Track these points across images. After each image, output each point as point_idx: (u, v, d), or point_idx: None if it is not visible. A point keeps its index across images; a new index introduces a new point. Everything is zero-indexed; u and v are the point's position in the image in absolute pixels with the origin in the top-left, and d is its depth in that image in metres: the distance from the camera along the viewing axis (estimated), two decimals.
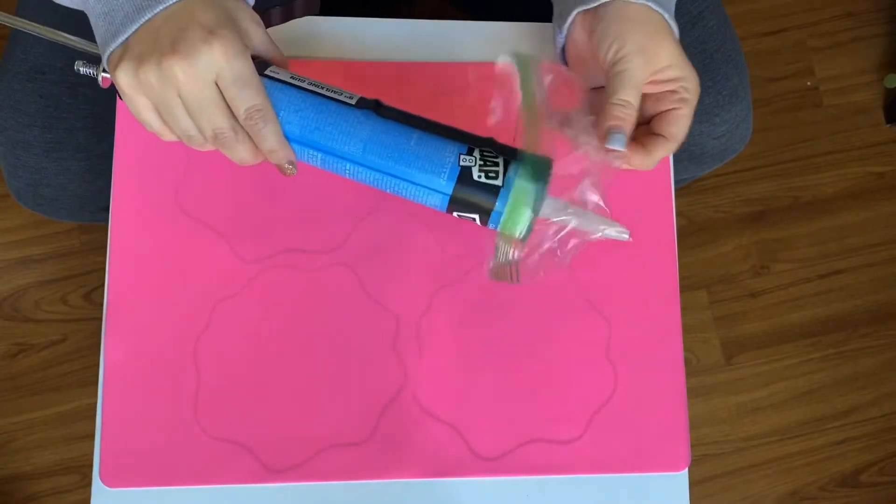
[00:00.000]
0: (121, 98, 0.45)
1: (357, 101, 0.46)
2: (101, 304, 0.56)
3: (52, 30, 0.47)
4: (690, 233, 1.20)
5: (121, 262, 0.55)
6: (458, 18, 0.62)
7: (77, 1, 0.46)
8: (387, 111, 0.46)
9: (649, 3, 0.47)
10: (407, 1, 0.89)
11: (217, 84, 0.42)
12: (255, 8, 0.49)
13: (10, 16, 0.47)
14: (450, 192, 0.45)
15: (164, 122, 0.45)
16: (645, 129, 0.49)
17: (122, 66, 0.42)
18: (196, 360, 0.54)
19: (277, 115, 0.45)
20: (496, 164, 0.45)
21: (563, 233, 0.45)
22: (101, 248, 0.82)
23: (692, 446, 0.56)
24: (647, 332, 0.56)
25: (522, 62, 0.45)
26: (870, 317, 1.19)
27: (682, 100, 0.47)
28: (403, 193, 0.47)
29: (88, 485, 0.84)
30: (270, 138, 0.45)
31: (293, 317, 0.55)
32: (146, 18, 0.42)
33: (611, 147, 0.46)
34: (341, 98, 0.46)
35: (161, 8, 0.42)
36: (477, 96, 0.48)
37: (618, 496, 0.55)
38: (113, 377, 0.53)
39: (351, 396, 0.54)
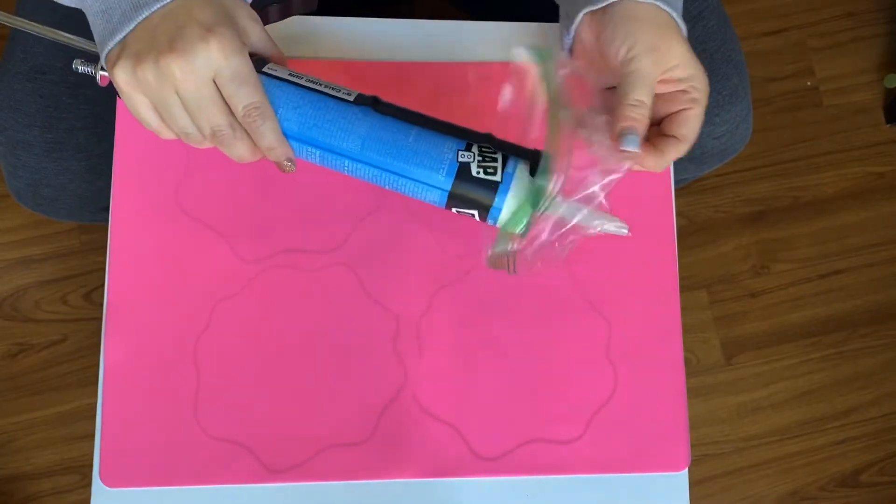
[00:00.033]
0: (119, 96, 0.45)
1: (355, 98, 0.46)
2: (101, 304, 0.56)
3: (51, 29, 0.47)
4: (690, 233, 1.20)
5: (121, 262, 0.55)
6: (458, 18, 0.61)
7: None
8: (385, 107, 0.46)
9: (658, 3, 0.47)
10: (407, 1, 0.89)
11: (215, 82, 0.42)
12: (252, 5, 0.49)
13: (10, 15, 0.47)
14: (448, 188, 0.45)
15: (163, 119, 0.45)
16: (656, 131, 0.49)
17: (120, 65, 0.42)
18: (196, 360, 0.54)
19: (276, 112, 0.45)
20: (494, 160, 0.45)
21: (562, 227, 0.45)
22: (101, 248, 0.82)
23: (692, 446, 0.56)
24: (647, 332, 0.56)
25: (542, 55, 0.45)
26: (870, 317, 1.19)
27: (693, 100, 0.47)
28: (402, 190, 0.47)
29: (88, 485, 0.85)
30: (269, 135, 0.45)
31: (293, 317, 0.55)
32: (144, 16, 0.42)
33: (625, 148, 0.45)
34: (339, 95, 0.46)
35: (159, 6, 0.42)
36: (477, 96, 0.48)
37: (618, 496, 0.55)
38: (113, 377, 0.53)
39: (351, 396, 0.54)
